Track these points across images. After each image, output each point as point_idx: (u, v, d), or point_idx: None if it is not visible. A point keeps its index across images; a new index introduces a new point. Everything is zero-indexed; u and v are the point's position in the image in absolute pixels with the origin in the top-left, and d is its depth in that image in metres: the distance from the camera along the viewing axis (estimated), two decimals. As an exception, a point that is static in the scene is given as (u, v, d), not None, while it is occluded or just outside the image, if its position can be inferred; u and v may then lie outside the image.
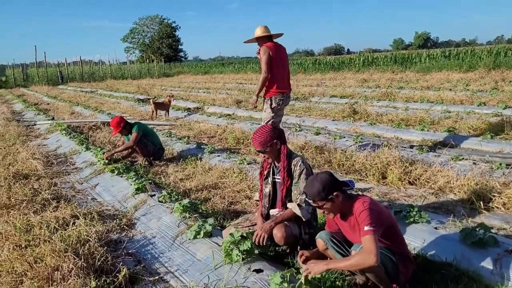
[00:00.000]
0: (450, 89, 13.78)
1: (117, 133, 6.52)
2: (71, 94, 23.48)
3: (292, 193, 3.26)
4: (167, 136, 8.56)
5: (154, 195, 4.71)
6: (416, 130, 7.68)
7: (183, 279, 3.06)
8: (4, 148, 8.07)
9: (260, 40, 5.43)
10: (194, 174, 5.87)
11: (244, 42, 5.68)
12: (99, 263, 3.12)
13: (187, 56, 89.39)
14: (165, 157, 6.97)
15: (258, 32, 5.42)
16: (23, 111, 15.75)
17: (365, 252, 2.38)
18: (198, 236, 3.51)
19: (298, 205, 3.12)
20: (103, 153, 6.54)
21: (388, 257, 2.58)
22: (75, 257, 3.08)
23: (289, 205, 3.17)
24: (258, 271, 2.87)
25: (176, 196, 4.60)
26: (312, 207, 2.94)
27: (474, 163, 5.37)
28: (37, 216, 4.09)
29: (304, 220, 3.15)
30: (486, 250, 2.97)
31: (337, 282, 2.81)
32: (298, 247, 3.23)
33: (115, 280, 2.96)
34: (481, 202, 4.03)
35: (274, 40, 5.51)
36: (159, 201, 4.48)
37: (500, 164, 5.12)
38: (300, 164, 3.25)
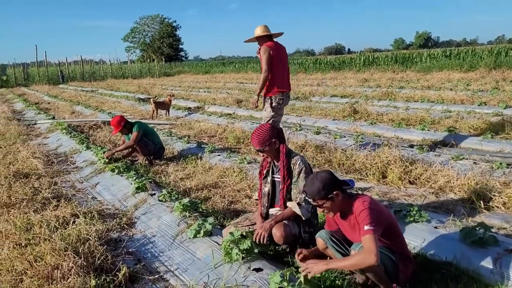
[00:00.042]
0: (451, 89, 13.77)
1: (117, 132, 6.52)
2: (72, 93, 23.48)
3: (292, 192, 3.26)
4: (167, 135, 8.57)
5: (154, 194, 4.72)
6: (417, 130, 7.68)
7: (183, 278, 3.06)
8: (5, 147, 8.08)
9: (260, 39, 5.43)
10: (195, 173, 5.87)
11: (245, 42, 5.68)
12: (99, 262, 3.12)
13: (187, 56, 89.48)
14: (165, 156, 6.98)
15: (258, 31, 5.42)
16: (23, 110, 15.76)
17: (365, 252, 2.38)
18: (198, 235, 3.52)
19: (298, 204, 3.12)
20: (103, 152, 6.55)
21: (388, 256, 2.58)
22: (75, 256, 3.08)
23: (288, 204, 3.17)
24: (258, 270, 2.87)
25: (176, 195, 4.60)
26: (312, 205, 2.94)
27: (474, 163, 5.37)
28: (37, 215, 4.11)
29: (304, 219, 3.15)
30: (486, 249, 2.97)
31: (337, 281, 2.81)
32: (298, 246, 3.23)
33: (115, 279, 2.96)
34: (481, 202, 4.02)
35: (274, 40, 5.51)
36: (159, 200, 4.49)
37: (501, 163, 5.11)
38: (299, 163, 3.25)
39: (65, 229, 3.72)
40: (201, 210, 4.30)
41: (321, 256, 2.88)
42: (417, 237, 3.34)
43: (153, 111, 12.23)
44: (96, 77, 42.61)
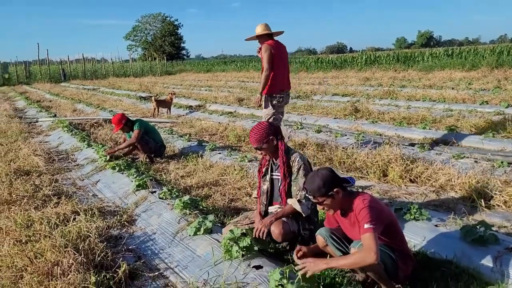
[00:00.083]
0: (453, 88, 13.75)
1: (118, 130, 6.52)
2: (74, 91, 23.50)
3: (292, 189, 3.25)
4: (168, 134, 8.57)
5: (155, 191, 4.72)
6: (418, 129, 7.66)
7: (182, 275, 3.06)
8: (6, 144, 8.09)
9: (260, 38, 5.42)
10: (195, 171, 5.87)
11: (245, 40, 5.68)
12: (99, 259, 3.12)
13: (189, 54, 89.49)
14: (166, 154, 6.98)
15: (259, 30, 5.41)
16: (25, 108, 15.78)
17: (365, 250, 2.37)
18: (198, 233, 3.52)
19: (298, 200, 3.12)
20: (105, 150, 6.55)
21: (388, 254, 2.57)
22: (75, 253, 3.09)
23: (289, 201, 3.17)
24: (258, 267, 2.87)
25: (176, 193, 4.60)
26: (312, 202, 2.94)
27: (475, 161, 5.35)
28: (38, 212, 4.11)
29: (304, 215, 3.14)
30: (486, 248, 2.96)
31: (337, 279, 2.81)
32: (298, 244, 3.23)
33: (115, 275, 2.96)
34: (482, 200, 4.02)
35: (275, 38, 5.51)
36: (160, 198, 4.49)
37: (502, 162, 5.10)
38: (298, 160, 3.24)
39: (66, 226, 3.72)
40: (201, 207, 4.30)
41: (321, 253, 2.88)
42: (417, 235, 3.33)
43: (155, 109, 12.25)
44: (98, 75, 42.63)
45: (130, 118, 6.74)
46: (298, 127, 8.40)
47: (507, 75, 16.45)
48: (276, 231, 3.11)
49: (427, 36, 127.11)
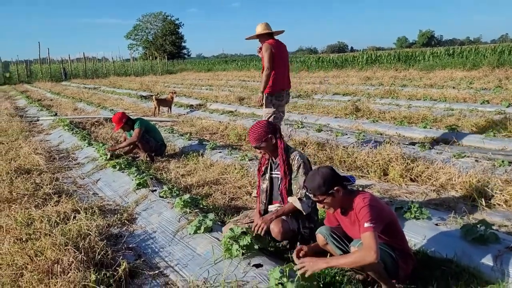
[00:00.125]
0: (454, 87, 13.73)
1: (119, 128, 6.53)
2: (74, 90, 23.52)
3: (292, 187, 3.25)
4: (169, 133, 8.57)
5: (155, 190, 4.72)
6: (419, 128, 7.65)
7: (183, 274, 3.06)
8: (7, 143, 8.10)
9: (261, 37, 5.41)
10: (196, 170, 5.87)
11: (246, 39, 5.68)
12: (99, 257, 3.12)
13: (190, 54, 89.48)
14: (167, 153, 6.98)
15: (259, 29, 5.40)
16: (26, 107, 15.79)
17: (365, 249, 2.37)
18: (198, 231, 3.51)
19: (299, 199, 3.12)
20: (105, 149, 6.55)
21: (388, 253, 2.57)
22: (76, 251, 3.08)
23: (289, 199, 3.17)
24: (258, 266, 2.87)
25: (177, 192, 4.60)
26: (312, 201, 2.94)
27: (476, 161, 5.35)
28: (38, 210, 4.11)
29: (304, 214, 3.14)
30: (487, 247, 2.96)
31: (337, 277, 2.81)
32: (298, 242, 3.23)
33: (115, 274, 2.95)
34: (483, 199, 4.01)
35: (275, 37, 5.50)
36: (160, 196, 4.49)
37: (503, 161, 5.09)
38: (298, 158, 3.24)
39: (66, 224, 3.72)
40: (201, 206, 4.30)
41: (321, 252, 2.88)
42: (417, 234, 3.33)
43: (155, 108, 12.26)
44: (99, 74, 42.64)
45: (131, 117, 6.74)
46: (298, 126, 8.40)
47: (508, 75, 16.44)
48: (275, 229, 3.11)
49: (428, 36, 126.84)
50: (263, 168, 3.48)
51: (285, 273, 2.52)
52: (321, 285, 2.69)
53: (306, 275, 2.45)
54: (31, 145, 7.63)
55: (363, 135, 7.06)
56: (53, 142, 8.59)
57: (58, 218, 3.93)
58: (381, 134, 7.56)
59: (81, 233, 3.48)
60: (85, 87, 25.99)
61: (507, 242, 2.97)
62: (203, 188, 5.07)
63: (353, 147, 6.05)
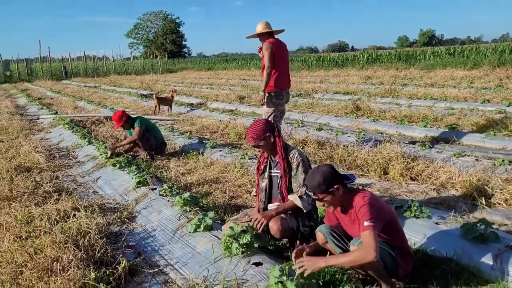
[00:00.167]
0: (454, 86, 13.73)
1: (119, 127, 6.53)
2: (75, 89, 23.52)
3: (292, 186, 3.25)
4: (169, 131, 8.57)
5: (155, 188, 4.72)
6: (419, 127, 7.65)
7: (182, 272, 3.06)
8: (7, 141, 8.11)
9: (261, 36, 5.41)
10: (196, 168, 5.87)
11: (246, 38, 5.68)
12: (99, 255, 3.12)
13: (190, 52, 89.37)
14: (167, 152, 6.98)
15: (259, 28, 5.40)
16: (26, 105, 15.79)
17: (364, 248, 2.36)
18: (198, 230, 3.51)
19: (300, 197, 3.11)
20: (105, 147, 6.55)
21: (387, 252, 2.57)
22: (75, 249, 3.08)
23: (289, 196, 3.16)
24: (258, 264, 2.87)
25: (177, 190, 4.59)
26: (312, 199, 2.93)
27: (476, 160, 5.35)
28: (38, 208, 4.11)
29: (304, 211, 3.14)
30: (487, 246, 2.95)
31: (337, 276, 2.80)
32: (298, 241, 3.23)
33: (115, 271, 2.95)
34: (483, 198, 4.01)
35: (276, 36, 5.49)
36: (160, 195, 4.48)
37: (503, 160, 5.09)
38: (297, 156, 3.24)
39: (66, 222, 3.72)
40: (201, 204, 4.30)
41: (321, 251, 2.87)
42: (417, 232, 3.33)
43: (156, 106, 12.25)
44: (99, 73, 42.63)
45: (131, 115, 6.74)
46: (299, 125, 8.40)
47: (509, 74, 16.43)
48: (274, 227, 3.11)
49: (429, 35, 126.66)
50: (262, 167, 3.48)
51: (284, 272, 2.51)
52: (321, 284, 2.69)
53: (305, 275, 2.45)
54: (31, 143, 7.64)
55: (364, 134, 7.06)
56: (53, 140, 8.59)
57: (58, 216, 3.93)
58: (381, 133, 7.56)
59: (81, 231, 3.48)
60: (86, 86, 25.99)
61: (507, 241, 2.97)
62: (203, 187, 5.07)
63: (354, 146, 6.05)
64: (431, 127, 7.56)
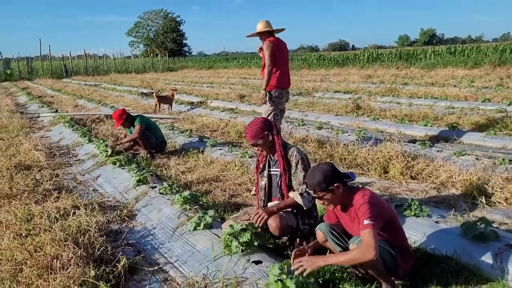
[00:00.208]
0: (455, 86, 13.71)
1: (119, 125, 6.52)
2: (75, 87, 23.52)
3: (292, 184, 3.25)
4: (169, 130, 8.57)
5: (155, 187, 4.72)
6: (420, 126, 7.65)
7: (182, 270, 3.06)
8: (8, 139, 8.11)
9: (261, 35, 5.40)
10: (196, 167, 5.87)
11: (247, 37, 5.66)
12: (98, 253, 3.12)
13: (191, 51, 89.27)
14: (167, 150, 6.98)
15: (260, 27, 5.39)
16: (27, 104, 15.80)
17: (364, 247, 2.36)
18: (198, 228, 3.51)
19: (300, 194, 3.11)
20: (105, 145, 6.55)
21: (387, 250, 2.57)
22: (75, 246, 3.08)
23: (290, 193, 3.16)
24: (257, 262, 2.87)
25: (177, 188, 4.60)
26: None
27: (477, 159, 5.34)
28: (38, 206, 4.12)
29: (305, 208, 3.13)
30: (487, 244, 2.95)
31: (337, 274, 2.80)
32: (297, 239, 3.22)
33: (115, 269, 2.95)
34: (483, 197, 4.01)
35: (276, 35, 5.48)
36: (160, 193, 4.49)
37: (503, 159, 5.08)
38: (296, 154, 3.24)
39: (66, 220, 3.72)
40: (201, 203, 4.30)
41: (321, 249, 2.87)
42: (417, 231, 3.33)
43: (156, 105, 12.25)
44: (100, 71, 42.61)
45: (131, 114, 6.73)
46: (299, 124, 8.39)
47: (509, 73, 16.41)
48: (273, 224, 3.10)
49: (430, 34, 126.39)
50: (261, 166, 3.48)
51: (284, 270, 2.51)
52: (321, 282, 2.68)
53: (304, 275, 2.44)
54: (31, 141, 7.64)
55: (364, 133, 7.06)
56: (53, 138, 8.59)
57: (58, 214, 3.93)
58: (381, 132, 7.55)
59: (81, 229, 3.49)
60: (86, 84, 26.00)
61: (507, 240, 2.97)
62: (203, 185, 5.07)
63: (354, 144, 6.04)
64: (431, 126, 7.56)
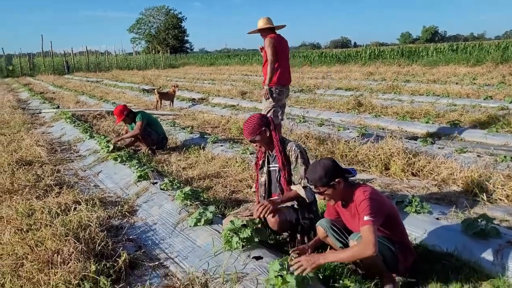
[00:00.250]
0: (457, 83, 13.68)
1: (120, 121, 6.53)
2: (77, 83, 23.52)
3: (293, 178, 3.24)
4: (171, 126, 8.56)
5: (156, 182, 4.72)
6: (421, 123, 7.63)
7: (183, 265, 3.07)
8: (9, 135, 8.13)
9: (262, 31, 5.40)
10: (197, 163, 5.87)
11: (248, 33, 5.67)
12: (99, 248, 3.13)
13: (193, 48, 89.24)
14: (168, 146, 6.98)
15: (261, 23, 5.39)
16: (28, 100, 15.81)
17: (363, 243, 2.36)
18: (198, 223, 3.51)
19: (303, 187, 3.10)
20: (107, 141, 6.55)
21: (387, 247, 2.57)
22: (76, 242, 3.09)
23: (293, 187, 3.15)
24: (258, 258, 2.86)
25: (178, 184, 4.60)
26: (314, 190, 2.92)
27: (478, 156, 5.33)
28: (39, 202, 4.12)
29: (308, 201, 3.13)
30: (487, 241, 2.95)
31: (337, 270, 2.80)
32: (298, 235, 3.22)
33: (115, 264, 2.96)
34: (484, 194, 4.00)
35: (277, 32, 5.48)
36: (161, 189, 4.49)
37: (505, 156, 5.07)
38: (295, 149, 3.24)
39: (67, 215, 3.73)
40: (202, 199, 4.29)
41: (321, 246, 2.87)
42: (418, 228, 3.32)
43: (157, 101, 12.25)
44: (101, 68, 42.63)
45: (133, 110, 6.73)
46: (300, 121, 8.38)
47: (511, 71, 16.34)
48: (272, 219, 3.10)
49: (432, 31, 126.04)
50: (260, 162, 3.47)
51: (284, 266, 2.51)
52: (321, 278, 2.69)
53: (304, 274, 2.43)
54: (33, 137, 7.65)
55: (365, 130, 7.05)
56: (55, 134, 8.60)
57: (59, 209, 3.94)
58: (383, 129, 7.54)
59: (82, 224, 3.49)
60: (88, 81, 25.99)
61: (508, 237, 2.96)
62: (204, 181, 5.07)
63: (355, 141, 6.04)
64: (433, 123, 7.54)
